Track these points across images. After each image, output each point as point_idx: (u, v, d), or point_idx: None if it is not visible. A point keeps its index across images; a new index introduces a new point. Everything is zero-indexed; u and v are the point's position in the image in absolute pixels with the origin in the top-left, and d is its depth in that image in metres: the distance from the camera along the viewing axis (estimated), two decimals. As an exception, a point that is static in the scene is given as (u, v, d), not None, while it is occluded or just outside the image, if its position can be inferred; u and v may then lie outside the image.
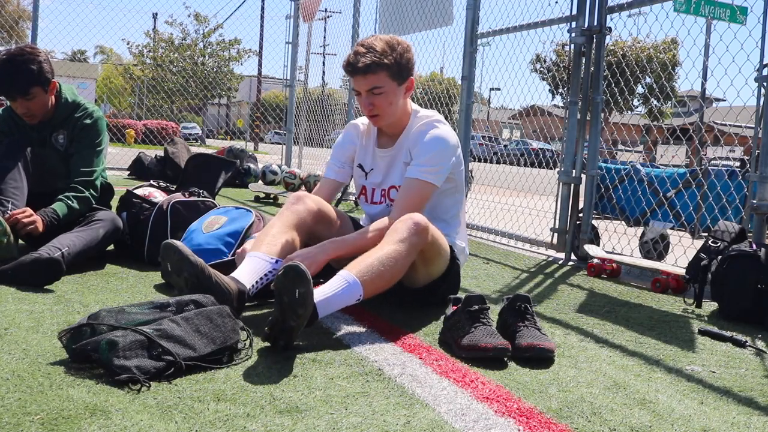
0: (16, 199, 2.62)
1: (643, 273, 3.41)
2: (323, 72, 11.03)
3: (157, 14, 26.98)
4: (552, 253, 4.06)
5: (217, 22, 29.42)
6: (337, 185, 2.56)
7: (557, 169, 4.12)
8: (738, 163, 5.61)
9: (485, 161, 8.18)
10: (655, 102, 18.73)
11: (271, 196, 6.29)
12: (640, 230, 4.15)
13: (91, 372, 1.54)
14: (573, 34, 3.84)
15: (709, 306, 2.75)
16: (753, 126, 3.36)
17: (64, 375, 1.52)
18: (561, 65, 11.57)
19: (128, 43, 28.09)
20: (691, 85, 23.94)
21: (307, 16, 8.40)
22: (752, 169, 3.01)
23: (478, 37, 4.80)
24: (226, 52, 30.91)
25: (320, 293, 1.88)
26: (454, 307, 2.02)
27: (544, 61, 16.04)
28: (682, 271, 2.98)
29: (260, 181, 7.39)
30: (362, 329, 2.09)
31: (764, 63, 3.14)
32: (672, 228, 3.87)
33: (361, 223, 2.56)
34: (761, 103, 3.15)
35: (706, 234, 3.44)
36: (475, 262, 3.66)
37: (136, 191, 3.09)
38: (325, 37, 9.74)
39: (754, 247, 2.61)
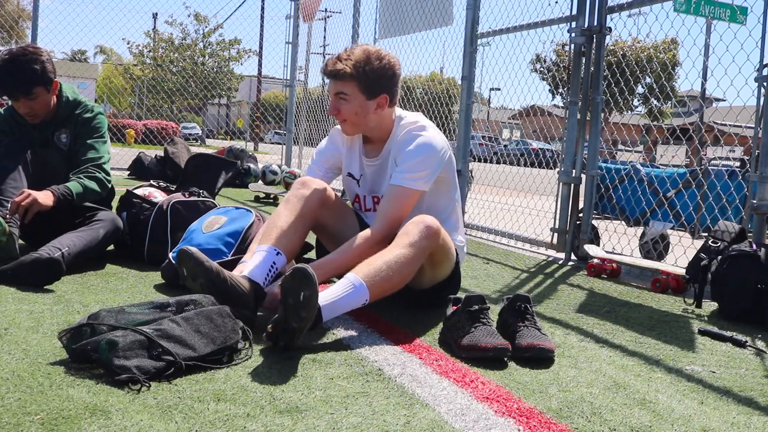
0: None
1: (643, 273, 3.41)
2: (323, 72, 11.01)
3: (157, 14, 26.90)
4: (552, 253, 4.06)
5: (217, 22, 29.36)
6: None
7: (557, 169, 4.12)
8: (738, 163, 5.62)
9: (485, 161, 8.18)
10: (655, 102, 18.72)
11: (271, 196, 6.29)
12: (640, 230, 4.15)
13: (91, 372, 1.54)
14: (573, 34, 3.84)
15: (709, 306, 2.75)
16: (753, 126, 3.36)
17: (64, 375, 1.52)
18: (561, 65, 11.57)
19: (128, 43, 28.05)
20: (691, 85, 23.95)
21: (307, 16, 8.40)
22: (752, 169, 3.01)
23: (478, 37, 4.80)
24: (226, 52, 30.87)
25: (326, 296, 1.87)
26: (454, 307, 2.02)
27: (544, 61, 16.06)
28: (682, 271, 2.98)
29: (260, 181, 7.40)
30: (362, 329, 2.09)
31: (764, 63, 3.14)
32: (672, 228, 3.87)
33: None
34: (761, 103, 3.15)
35: (706, 234, 3.44)
36: (475, 262, 3.66)
37: (136, 191, 3.09)
38: (325, 37, 9.75)
39: (754, 247, 2.61)
